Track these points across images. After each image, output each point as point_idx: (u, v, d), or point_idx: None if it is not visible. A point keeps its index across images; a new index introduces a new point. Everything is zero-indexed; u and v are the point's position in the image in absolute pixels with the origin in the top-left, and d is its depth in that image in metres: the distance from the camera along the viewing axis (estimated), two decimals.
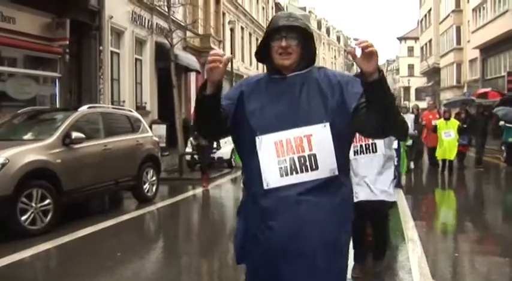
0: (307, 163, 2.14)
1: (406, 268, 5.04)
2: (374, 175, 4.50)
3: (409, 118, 12.48)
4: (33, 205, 6.54)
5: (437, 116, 14.47)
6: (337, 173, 2.16)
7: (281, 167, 2.15)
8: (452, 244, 6.62)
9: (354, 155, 4.47)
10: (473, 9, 32.85)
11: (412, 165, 13.64)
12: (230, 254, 5.33)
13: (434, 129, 13.16)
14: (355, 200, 4.03)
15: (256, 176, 2.17)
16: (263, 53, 2.28)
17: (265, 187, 2.15)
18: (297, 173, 2.14)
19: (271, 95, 2.22)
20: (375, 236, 4.94)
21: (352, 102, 2.13)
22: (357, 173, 4.51)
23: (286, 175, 2.15)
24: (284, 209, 2.11)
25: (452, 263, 5.54)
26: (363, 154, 4.51)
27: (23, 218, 6.39)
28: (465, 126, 13.87)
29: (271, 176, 2.15)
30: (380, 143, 4.50)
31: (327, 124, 2.13)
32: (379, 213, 4.69)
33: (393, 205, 4.94)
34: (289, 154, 2.15)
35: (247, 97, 2.24)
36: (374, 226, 4.89)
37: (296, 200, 2.11)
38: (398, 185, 5.63)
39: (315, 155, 2.14)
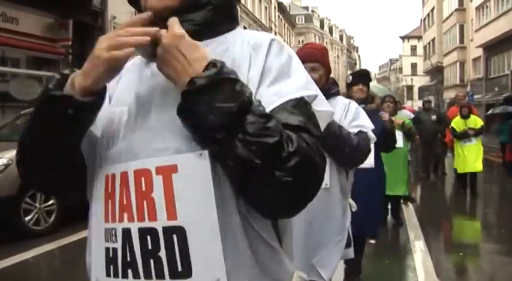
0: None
1: (411, 266, 5.02)
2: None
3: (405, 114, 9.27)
4: (37, 205, 6.54)
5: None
6: None
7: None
8: (457, 242, 6.59)
9: None
10: (476, 8, 32.78)
11: (432, 175, 11.83)
12: None
13: (453, 132, 9.47)
14: None
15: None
16: None
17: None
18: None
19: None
20: None
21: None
22: None
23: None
24: None
25: (457, 262, 5.52)
26: None
27: (27, 218, 6.39)
28: None
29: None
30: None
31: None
32: None
33: None
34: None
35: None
36: None
37: None
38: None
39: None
